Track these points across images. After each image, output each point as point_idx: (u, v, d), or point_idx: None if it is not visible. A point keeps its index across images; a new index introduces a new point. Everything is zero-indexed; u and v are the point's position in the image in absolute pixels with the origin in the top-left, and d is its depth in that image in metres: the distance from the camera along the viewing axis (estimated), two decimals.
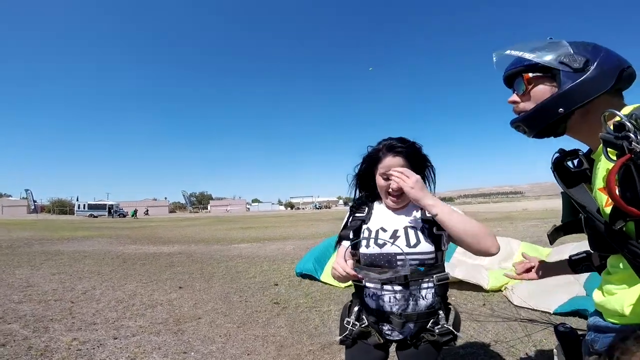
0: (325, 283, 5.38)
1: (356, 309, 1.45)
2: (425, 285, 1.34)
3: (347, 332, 1.42)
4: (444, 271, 1.36)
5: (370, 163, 1.46)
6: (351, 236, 1.43)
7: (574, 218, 1.09)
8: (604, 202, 0.83)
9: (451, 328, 1.36)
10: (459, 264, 5.19)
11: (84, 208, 52.97)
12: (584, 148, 1.05)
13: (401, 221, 1.41)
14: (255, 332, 3.53)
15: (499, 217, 20.76)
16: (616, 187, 0.72)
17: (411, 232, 1.36)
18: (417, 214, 1.40)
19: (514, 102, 1.04)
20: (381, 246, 1.35)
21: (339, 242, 1.50)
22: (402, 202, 1.41)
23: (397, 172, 1.32)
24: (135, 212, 51.38)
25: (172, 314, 4.08)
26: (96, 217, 48.34)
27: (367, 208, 1.49)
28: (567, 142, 1.07)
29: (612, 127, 0.77)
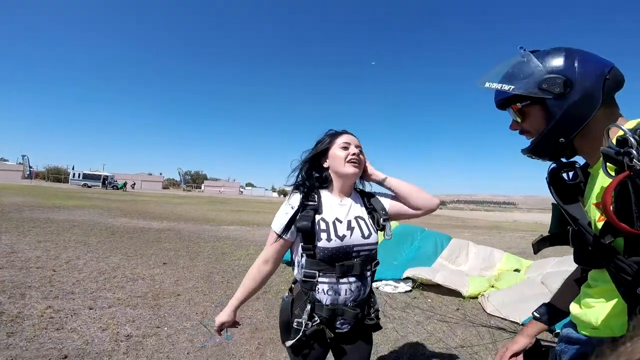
0: None
1: (308, 307, 1.34)
2: (368, 273, 1.40)
3: (301, 334, 1.32)
4: (376, 258, 1.45)
5: (329, 142, 1.45)
6: (307, 228, 1.29)
7: (562, 230, 1.08)
8: (597, 217, 0.83)
9: (380, 310, 1.47)
10: (441, 269, 5.25)
11: (78, 177, 52.64)
12: (581, 160, 1.05)
13: (351, 211, 1.41)
14: None
15: (487, 225, 20.90)
16: (611, 203, 0.71)
17: (362, 223, 1.39)
18: (362, 206, 1.47)
19: (516, 128, 1.03)
20: (341, 238, 1.32)
21: (283, 233, 1.34)
22: (359, 170, 1.44)
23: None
24: (124, 184, 51.10)
25: (152, 289, 4.12)
26: (90, 187, 48.13)
27: (317, 196, 1.39)
28: None
29: (614, 142, 0.75)
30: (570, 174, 1.03)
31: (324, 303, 1.33)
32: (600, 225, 0.80)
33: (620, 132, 0.75)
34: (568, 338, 1.01)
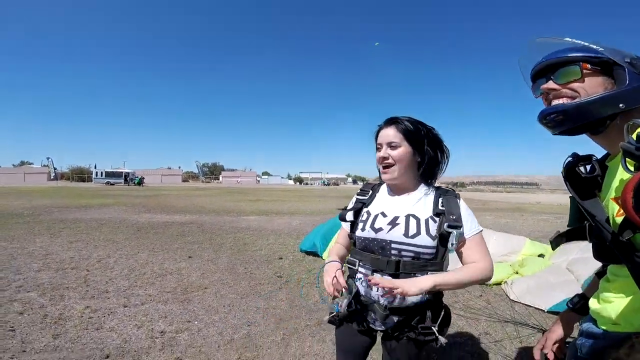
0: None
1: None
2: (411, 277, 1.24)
3: (335, 312, 1.42)
4: (442, 269, 1.26)
5: (375, 141, 1.41)
6: (350, 218, 1.41)
7: (580, 224, 1.07)
8: (615, 212, 0.82)
9: (435, 329, 1.24)
10: None
11: (101, 176, 54.34)
12: (598, 153, 1.02)
13: (404, 208, 1.32)
14: (257, 304, 3.71)
15: (509, 207, 20.23)
16: (631, 199, 0.70)
17: (413, 221, 1.27)
18: (428, 204, 1.31)
19: (552, 89, 0.96)
20: (377, 231, 1.30)
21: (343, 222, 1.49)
22: (391, 175, 1.33)
23: (376, 280, 1.18)
24: (141, 180, 52.26)
25: (180, 283, 4.30)
26: (112, 184, 49.67)
27: (371, 191, 1.46)
28: (574, 146, 1.00)
29: (635, 138, 0.75)
30: (588, 167, 1.01)
31: (360, 293, 1.35)
32: (619, 220, 0.79)
33: None
34: (588, 333, 1.01)
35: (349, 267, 1.41)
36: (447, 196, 1.31)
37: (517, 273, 4.67)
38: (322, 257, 5.71)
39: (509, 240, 5.85)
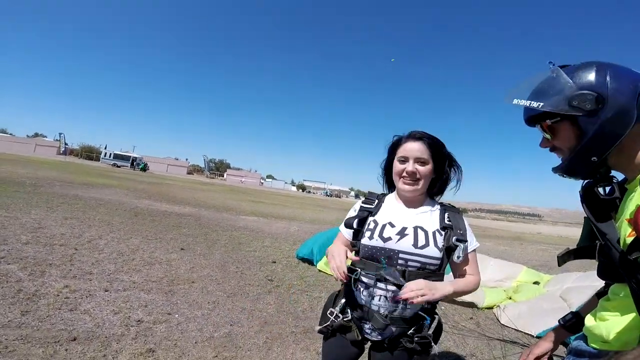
0: (321, 271, 5.38)
1: (343, 301, 1.41)
2: None
3: (329, 322, 1.40)
4: (442, 279, 1.31)
5: (391, 151, 1.43)
6: (355, 225, 1.39)
7: (590, 243, 1.06)
8: (627, 233, 0.82)
9: (431, 338, 1.30)
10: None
11: (109, 157, 54.82)
12: (619, 174, 1.02)
13: (412, 219, 1.34)
14: (243, 305, 3.56)
15: (510, 236, 20.23)
16: None
17: (421, 233, 1.30)
18: (435, 217, 1.35)
19: (547, 145, 1.01)
20: (385, 240, 1.30)
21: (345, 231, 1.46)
22: (415, 189, 1.34)
23: (408, 291, 1.19)
24: (145, 165, 52.36)
25: (168, 274, 4.16)
26: (119, 167, 49.99)
27: (377, 201, 1.45)
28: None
29: None
30: (607, 188, 1.00)
31: (358, 302, 1.35)
32: (629, 240, 0.80)
33: None
34: (577, 350, 1.01)
35: (347, 275, 1.34)
36: (452, 212, 1.37)
37: (510, 298, 4.67)
38: (316, 266, 5.55)
39: (506, 266, 5.86)
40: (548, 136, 0.98)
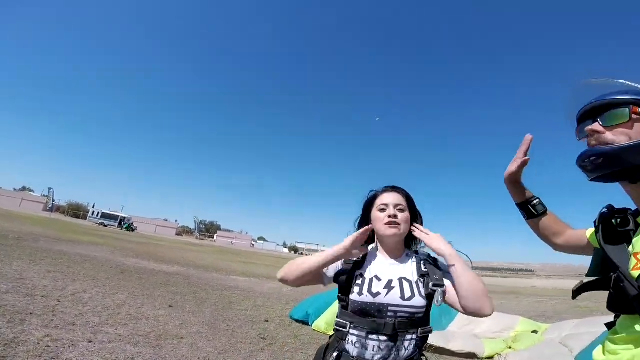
0: (315, 330, 5.11)
1: (335, 354, 1.35)
2: (409, 336, 1.30)
3: None
4: (429, 324, 1.35)
5: (368, 205, 1.47)
6: (343, 280, 1.38)
7: (600, 275, 1.04)
8: (632, 266, 0.84)
9: None
10: (455, 336, 5.03)
11: (97, 215, 53.65)
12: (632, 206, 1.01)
13: (396, 272, 1.37)
14: None
15: (504, 291, 19.90)
16: None
17: (406, 284, 1.33)
18: (413, 267, 1.40)
19: (596, 132, 0.95)
20: (374, 295, 1.31)
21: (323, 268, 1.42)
22: (398, 232, 1.38)
23: (418, 227, 1.39)
24: (130, 225, 50.83)
25: (155, 329, 3.90)
26: (106, 226, 48.69)
27: (361, 254, 1.44)
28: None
29: None
30: (619, 220, 0.99)
31: (350, 354, 1.31)
32: (635, 274, 0.82)
33: None
34: None
35: (336, 329, 1.36)
36: (425, 259, 1.42)
37: (510, 348, 4.62)
38: (311, 326, 5.26)
39: (503, 318, 5.88)
40: (625, 120, 0.91)
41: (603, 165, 0.91)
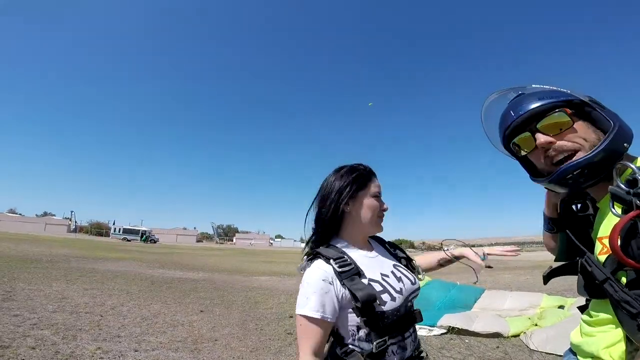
0: None
1: None
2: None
3: None
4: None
5: (361, 185, 1.21)
6: (366, 296, 1.04)
7: (568, 260, 1.06)
8: (598, 251, 0.85)
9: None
10: (479, 316, 5.05)
11: (119, 232, 55.40)
12: None
13: (385, 262, 1.23)
14: (266, 358, 3.62)
15: (529, 265, 19.56)
16: (618, 239, 0.73)
17: (403, 270, 1.23)
18: (388, 253, 1.31)
19: (550, 143, 0.88)
20: (401, 292, 1.14)
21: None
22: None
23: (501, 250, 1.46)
24: (147, 237, 52.76)
25: (191, 334, 4.25)
26: (129, 240, 50.23)
27: (345, 255, 1.13)
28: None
29: (623, 181, 0.77)
30: (579, 205, 1.02)
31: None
32: (602, 258, 0.82)
33: (629, 170, 0.77)
34: None
35: (374, 354, 1.07)
36: (387, 243, 1.38)
37: (536, 325, 4.59)
38: None
39: (525, 296, 5.85)
40: (565, 119, 0.88)
41: (589, 175, 0.86)
